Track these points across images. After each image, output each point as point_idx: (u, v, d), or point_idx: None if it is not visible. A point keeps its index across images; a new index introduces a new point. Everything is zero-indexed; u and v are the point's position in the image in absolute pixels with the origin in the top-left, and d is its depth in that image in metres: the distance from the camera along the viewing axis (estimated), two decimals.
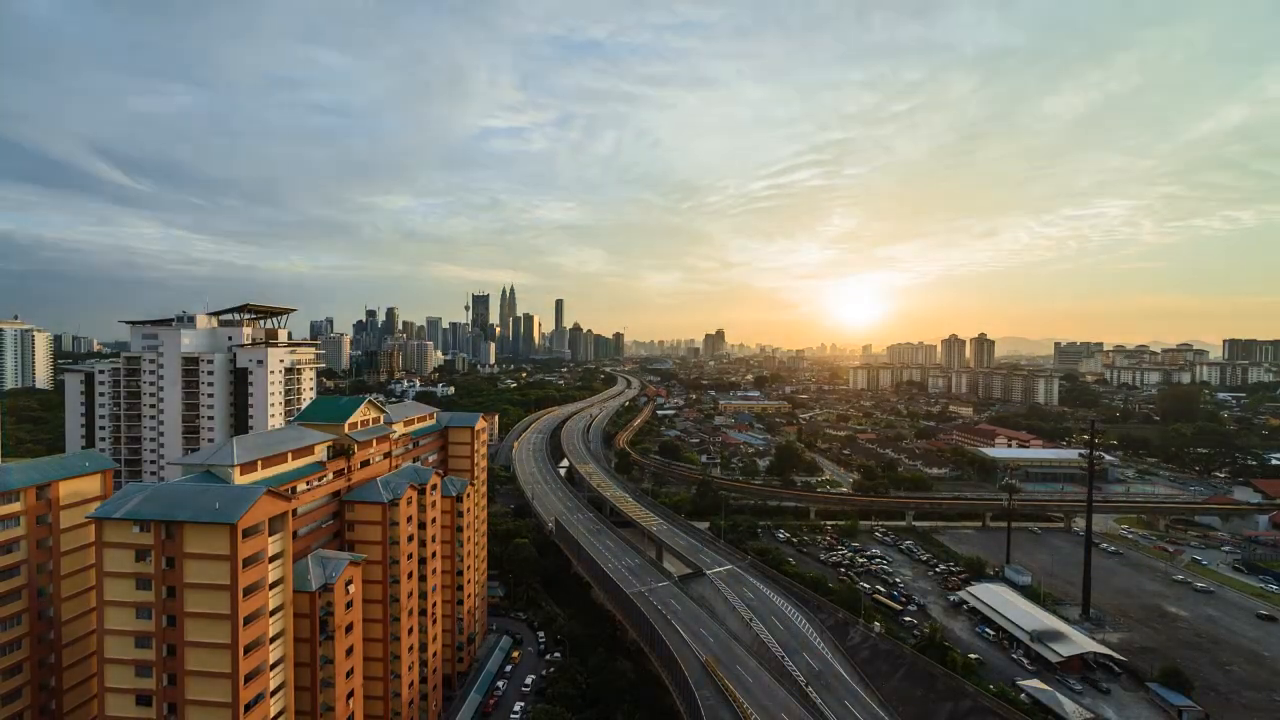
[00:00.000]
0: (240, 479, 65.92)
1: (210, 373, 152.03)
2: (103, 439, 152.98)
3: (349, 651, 73.22)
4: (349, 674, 73.16)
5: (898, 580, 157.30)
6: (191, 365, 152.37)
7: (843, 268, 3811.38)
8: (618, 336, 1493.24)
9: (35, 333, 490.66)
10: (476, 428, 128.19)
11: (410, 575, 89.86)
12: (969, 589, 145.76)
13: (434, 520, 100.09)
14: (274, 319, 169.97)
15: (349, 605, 73.36)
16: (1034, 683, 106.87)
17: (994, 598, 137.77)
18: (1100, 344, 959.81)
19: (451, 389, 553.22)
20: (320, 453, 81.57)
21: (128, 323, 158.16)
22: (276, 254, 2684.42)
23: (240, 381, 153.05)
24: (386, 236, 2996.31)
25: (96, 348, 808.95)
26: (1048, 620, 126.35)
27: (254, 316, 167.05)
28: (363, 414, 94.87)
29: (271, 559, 63.42)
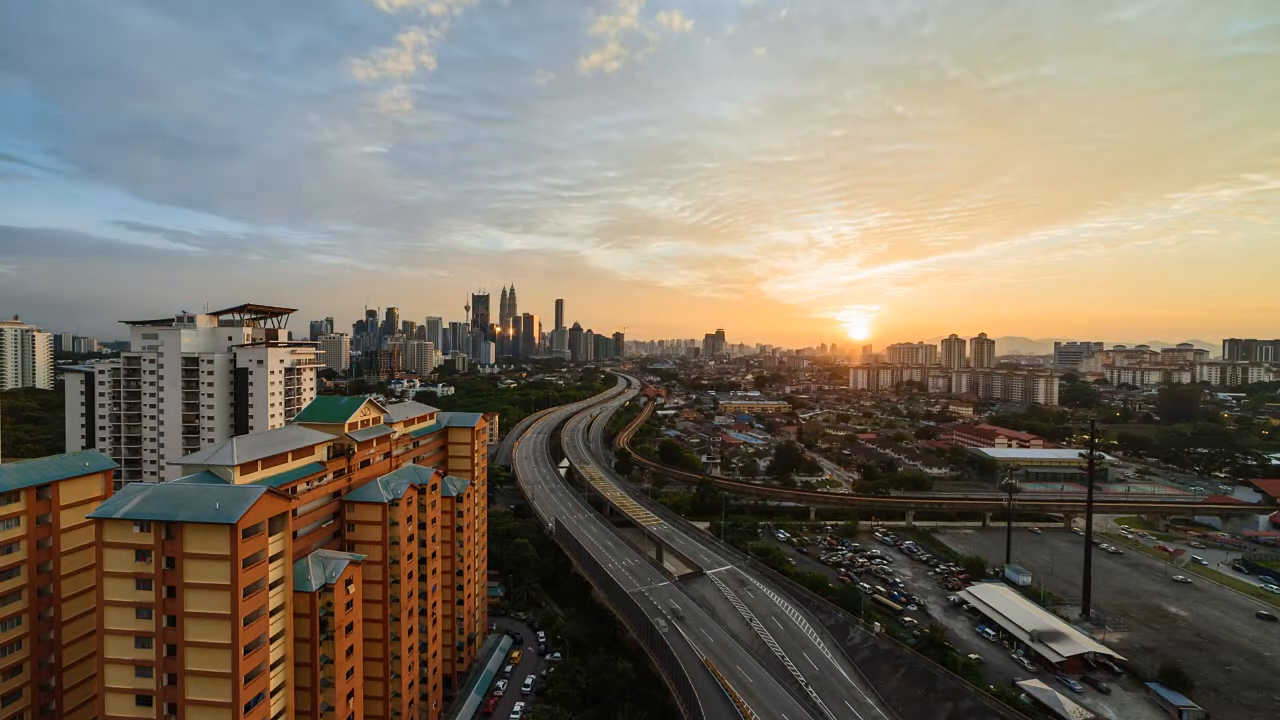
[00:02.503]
0: (240, 479, 65.90)
1: (210, 373, 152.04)
2: (103, 439, 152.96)
3: (349, 651, 73.20)
4: (349, 674, 73.14)
5: (898, 580, 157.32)
6: (191, 365, 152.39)
7: (846, 270, 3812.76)
8: (618, 336, 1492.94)
9: (35, 333, 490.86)
10: (476, 428, 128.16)
11: (410, 575, 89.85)
12: (969, 589, 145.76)
13: (434, 520, 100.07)
14: (274, 319, 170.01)
15: (349, 605, 73.34)
16: (1034, 683, 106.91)
17: (994, 598, 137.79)
18: (1100, 344, 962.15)
19: (451, 389, 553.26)
20: (320, 453, 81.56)
21: (128, 323, 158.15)
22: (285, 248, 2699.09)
23: (240, 382, 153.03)
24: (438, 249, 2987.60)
25: (96, 348, 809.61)
26: (1048, 620, 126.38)
27: (254, 317, 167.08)
28: (363, 414, 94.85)
29: (272, 559, 63.41)
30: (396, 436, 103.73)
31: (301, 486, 76.19)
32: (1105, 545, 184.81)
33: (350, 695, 73.20)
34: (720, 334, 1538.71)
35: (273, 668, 63.76)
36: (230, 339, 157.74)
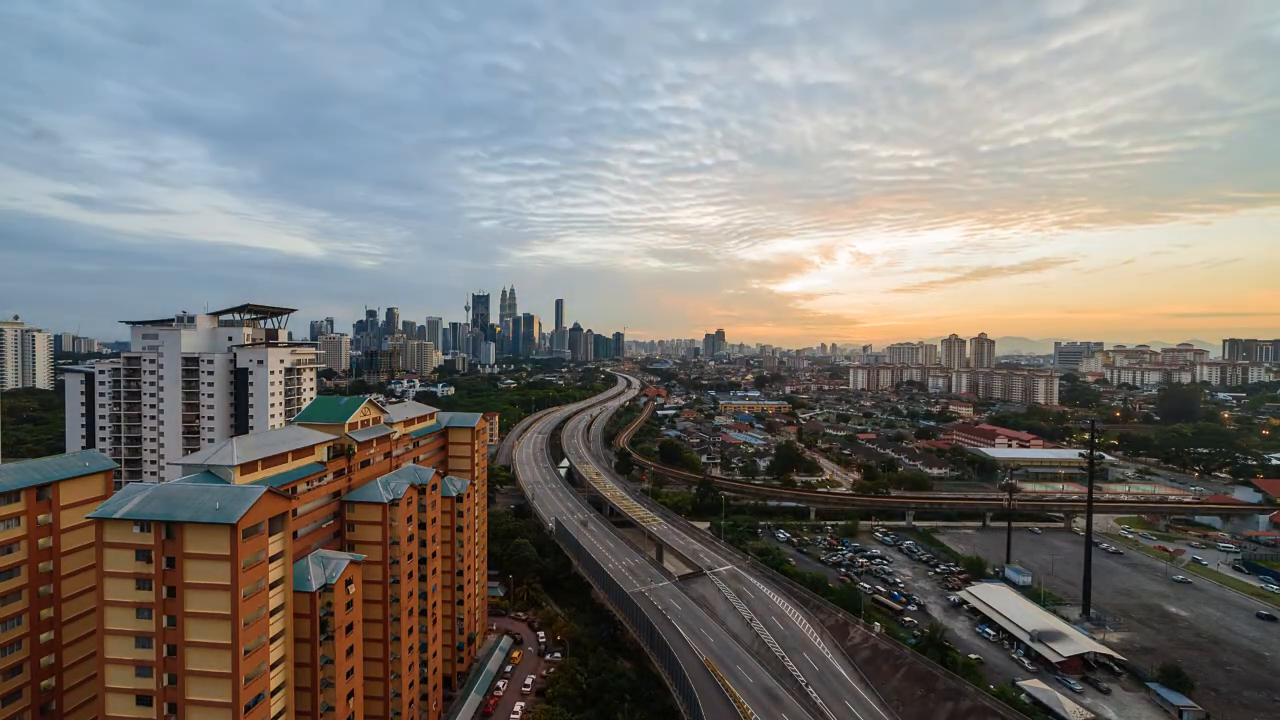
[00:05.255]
0: (240, 479, 65.88)
1: (210, 373, 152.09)
2: (103, 439, 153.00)
3: (349, 652, 73.19)
4: (349, 674, 73.12)
5: (898, 580, 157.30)
6: (191, 365, 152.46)
7: (849, 272, 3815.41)
8: (618, 336, 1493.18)
9: (35, 333, 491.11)
10: (476, 428, 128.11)
11: (410, 575, 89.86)
12: (969, 589, 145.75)
13: (434, 520, 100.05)
14: (274, 319, 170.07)
15: (349, 605, 73.34)
16: (1034, 683, 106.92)
17: (994, 598, 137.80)
18: (1100, 344, 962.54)
19: (452, 389, 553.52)
20: (321, 453, 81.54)
21: (128, 323, 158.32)
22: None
23: (240, 382, 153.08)
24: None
25: (97, 348, 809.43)
26: (1048, 620, 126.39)
27: (254, 317, 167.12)
28: (363, 414, 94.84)
29: (272, 559, 63.37)
30: (396, 437, 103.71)
31: (301, 487, 76.17)
32: (1105, 545, 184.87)
33: (350, 695, 73.20)
34: (720, 334, 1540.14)
35: (273, 668, 63.73)
36: (230, 339, 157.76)
